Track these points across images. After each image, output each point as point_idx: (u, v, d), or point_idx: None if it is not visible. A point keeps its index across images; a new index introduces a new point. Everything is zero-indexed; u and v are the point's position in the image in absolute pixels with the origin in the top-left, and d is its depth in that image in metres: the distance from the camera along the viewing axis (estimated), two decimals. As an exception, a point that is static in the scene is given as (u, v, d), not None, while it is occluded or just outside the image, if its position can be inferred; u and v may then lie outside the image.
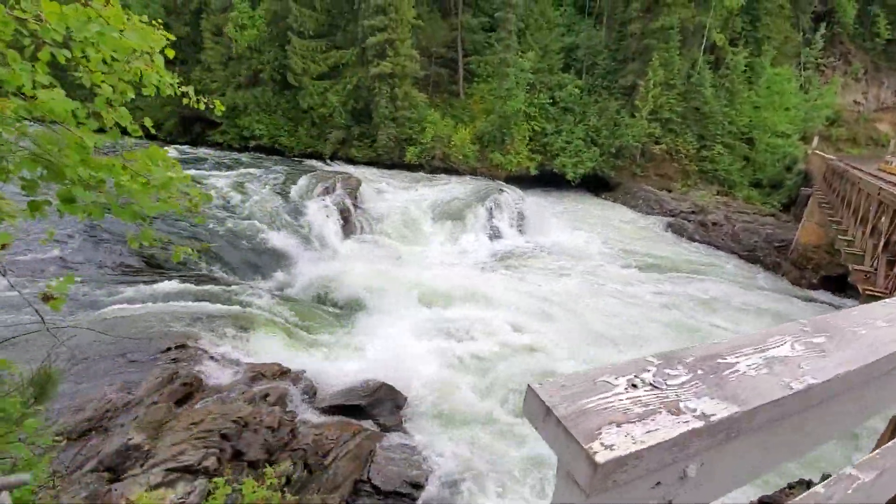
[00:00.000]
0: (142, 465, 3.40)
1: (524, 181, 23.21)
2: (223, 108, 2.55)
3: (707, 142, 21.55)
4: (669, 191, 20.91)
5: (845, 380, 0.70)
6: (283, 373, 5.64)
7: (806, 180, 18.51)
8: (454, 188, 18.69)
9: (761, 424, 0.61)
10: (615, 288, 12.28)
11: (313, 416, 5.43)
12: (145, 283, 7.57)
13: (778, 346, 0.74)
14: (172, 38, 2.04)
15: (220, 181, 15.90)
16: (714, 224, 17.55)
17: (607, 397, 0.56)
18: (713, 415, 0.56)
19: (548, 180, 23.81)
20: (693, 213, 18.68)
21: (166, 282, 7.67)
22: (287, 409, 5.08)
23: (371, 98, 23.18)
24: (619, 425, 0.51)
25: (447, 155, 23.01)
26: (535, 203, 18.72)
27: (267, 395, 4.87)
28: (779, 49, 23.64)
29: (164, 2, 29.49)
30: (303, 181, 16.38)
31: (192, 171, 16.68)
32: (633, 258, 15.21)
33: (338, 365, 7.10)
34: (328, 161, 24.41)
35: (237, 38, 25.04)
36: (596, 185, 23.07)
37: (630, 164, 22.25)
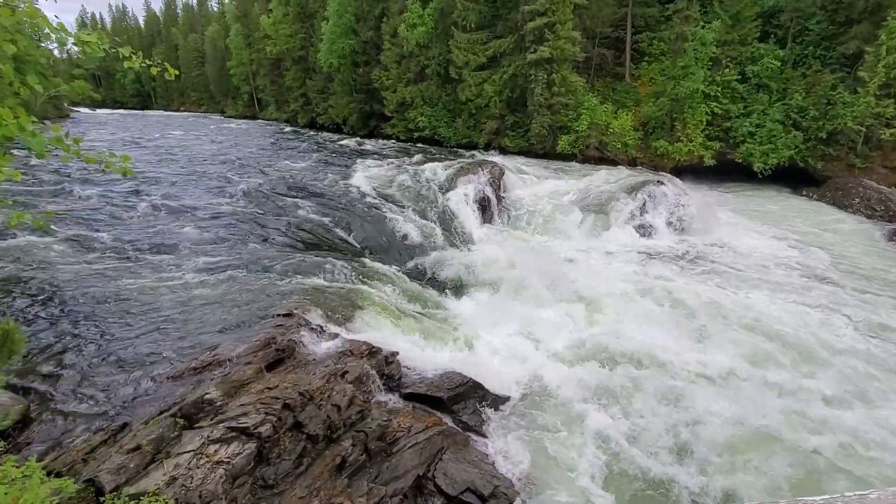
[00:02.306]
0: (211, 419, 3.84)
1: (696, 173, 20.21)
2: (176, 73, 2.60)
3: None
4: (906, 188, 15.82)
5: None
6: (372, 352, 5.83)
7: None
8: (604, 179, 17.18)
9: None
10: (798, 307, 9.76)
11: (390, 401, 5.51)
12: (286, 256, 8.67)
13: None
14: None
15: (377, 168, 17.37)
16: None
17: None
18: None
19: (727, 172, 20.28)
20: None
21: (297, 255, 8.67)
22: (364, 390, 5.24)
23: (527, 86, 22.68)
24: None
25: (604, 143, 21.28)
26: (701, 197, 16.06)
27: (345, 373, 5.09)
28: None
29: (355, 10, 33.29)
30: (448, 170, 16.90)
31: (361, 159, 18.62)
32: (834, 273, 11.94)
33: (436, 353, 7.12)
34: (481, 151, 24.82)
35: (408, 36, 26.91)
36: (794, 178, 18.77)
37: (846, 152, 17.45)
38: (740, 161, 19.48)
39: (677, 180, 17.25)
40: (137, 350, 4.95)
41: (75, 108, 61.79)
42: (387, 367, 5.95)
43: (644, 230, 14.80)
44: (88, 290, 6.15)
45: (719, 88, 19.86)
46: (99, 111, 70.11)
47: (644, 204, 15.36)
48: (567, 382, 7.02)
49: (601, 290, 10.41)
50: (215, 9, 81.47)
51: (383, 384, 5.73)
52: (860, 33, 17.25)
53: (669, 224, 15.07)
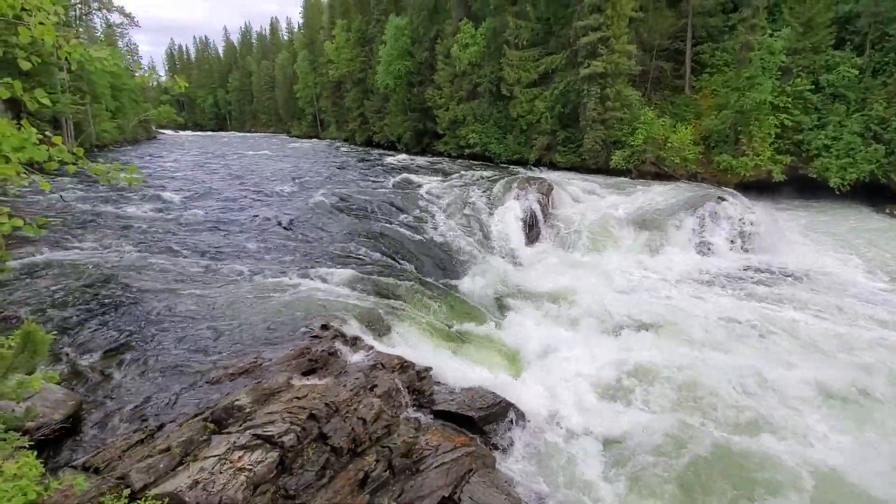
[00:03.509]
0: (239, 425, 3.97)
1: (764, 189, 18.87)
2: (185, 85, 2.74)
3: None
4: None
5: None
6: (404, 367, 5.83)
7: None
8: (660, 194, 16.44)
9: None
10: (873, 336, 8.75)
11: (419, 418, 5.46)
12: (330, 269, 8.93)
13: None
14: None
15: (427, 185, 17.63)
16: None
17: None
18: None
19: (800, 188, 18.77)
20: None
21: (342, 269, 8.90)
22: (393, 405, 5.23)
23: (579, 101, 22.30)
24: None
25: (661, 158, 20.39)
26: (768, 215, 14.93)
27: (374, 387, 5.11)
28: None
29: (411, 34, 34.45)
30: (497, 186, 16.87)
31: (412, 176, 19.00)
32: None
33: (470, 371, 7.00)
34: (532, 167, 24.59)
35: (460, 56, 27.42)
36: (875, 195, 17.03)
37: (941, 166, 15.62)
38: (815, 176, 17.96)
39: (741, 196, 16.18)
40: (183, 353, 5.24)
41: (161, 131, 68.00)
42: (418, 383, 5.92)
43: (704, 249, 13.94)
44: (139, 295, 6.63)
45: (789, 99, 18.52)
46: (181, 133, 76.84)
47: (704, 221, 14.52)
48: (608, 411, 6.65)
49: (653, 312, 9.85)
50: (285, 38, 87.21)
51: (413, 400, 5.70)
52: (955, 35, 15.57)
53: (732, 242, 14.11)
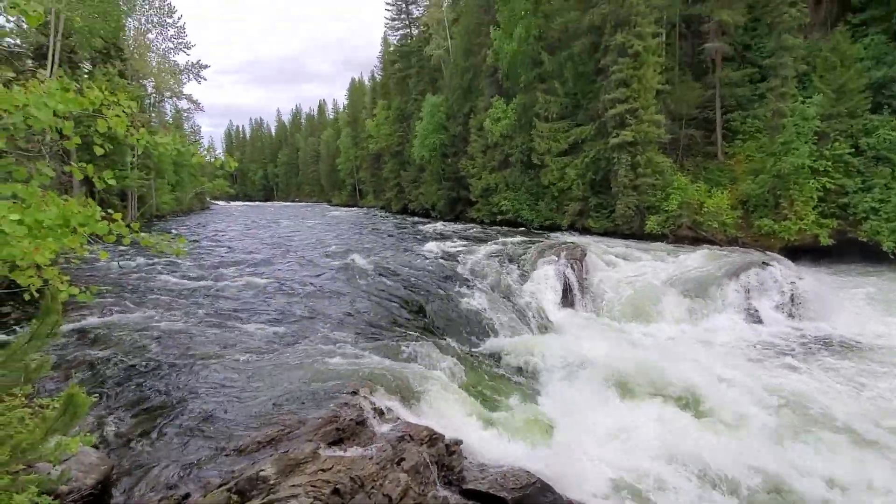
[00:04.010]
0: (262, 498, 3.88)
1: (812, 253, 18.09)
2: (235, 164, 2.97)
3: None
4: None
5: None
6: (433, 439, 5.62)
7: None
8: (700, 260, 15.98)
9: None
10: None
11: (447, 497, 5.17)
12: (360, 333, 8.99)
13: None
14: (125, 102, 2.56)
15: (460, 251, 17.87)
16: None
17: None
18: None
19: (851, 252, 17.87)
20: None
21: (373, 334, 8.93)
22: (421, 481, 5.00)
23: (610, 168, 22.66)
24: None
25: (698, 223, 20.08)
26: (817, 280, 14.16)
27: (402, 460, 4.93)
28: None
29: (446, 110, 36.70)
30: (530, 251, 16.89)
31: (445, 242, 19.34)
32: None
33: (503, 446, 6.67)
34: (564, 232, 24.65)
35: (492, 129, 28.77)
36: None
37: None
38: (865, 240, 17.13)
39: (787, 261, 15.51)
40: (213, 419, 5.28)
41: (215, 202, 73.21)
42: (448, 458, 5.66)
43: (750, 316, 13.24)
44: (176, 360, 6.83)
45: (829, 163, 18.18)
46: (232, 203, 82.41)
47: (749, 287, 13.90)
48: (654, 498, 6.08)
49: (701, 386, 9.22)
50: (331, 117, 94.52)
51: (442, 476, 5.43)
52: None
53: (780, 309, 13.35)
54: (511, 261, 15.96)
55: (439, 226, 30.88)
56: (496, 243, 19.58)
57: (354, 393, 6.14)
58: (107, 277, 12.43)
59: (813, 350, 11.20)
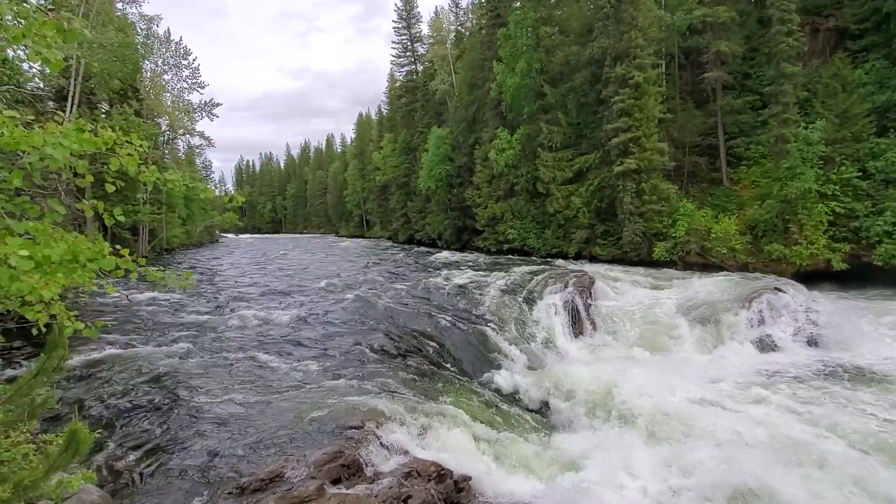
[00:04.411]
0: (265, 537, 3.76)
1: (826, 278, 17.82)
2: (242, 199, 3.02)
3: None
4: None
5: None
6: (441, 475, 5.47)
7: None
8: (710, 286, 15.77)
9: None
10: None
11: (455, 534, 4.99)
12: (367, 365, 8.89)
13: None
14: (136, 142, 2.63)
15: (466, 280, 17.81)
16: None
17: None
18: None
19: (867, 277, 17.56)
20: None
21: (380, 366, 8.83)
22: (428, 518, 4.84)
23: (615, 195, 22.74)
24: None
25: (706, 249, 19.94)
26: (834, 306, 13.87)
27: (408, 498, 4.79)
28: None
29: (451, 142, 37.33)
30: (537, 279, 16.81)
31: (452, 271, 19.33)
32: None
33: (514, 482, 6.47)
34: (572, 260, 24.55)
35: (497, 159, 29.15)
36: (961, 282, 15.63)
37: None
38: (880, 264, 16.86)
39: (801, 286, 15.27)
40: (216, 456, 5.19)
41: (224, 234, 74.31)
42: (456, 495, 5.48)
43: (765, 344, 12.94)
44: (181, 395, 6.77)
45: (837, 187, 18.13)
46: (241, 236, 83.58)
47: (763, 313, 13.65)
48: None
49: (716, 421, 8.92)
50: (339, 150, 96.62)
51: (449, 513, 5.25)
52: None
53: (796, 336, 13.05)
54: (519, 290, 15.86)
55: (446, 255, 30.92)
56: (503, 272, 19.50)
57: (360, 427, 6.03)
58: (116, 311, 12.50)
59: (831, 378, 10.85)
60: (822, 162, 18.34)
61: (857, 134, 18.39)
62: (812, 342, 12.99)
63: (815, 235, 18.01)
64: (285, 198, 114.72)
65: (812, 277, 17.63)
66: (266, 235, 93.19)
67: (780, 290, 14.49)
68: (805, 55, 20.69)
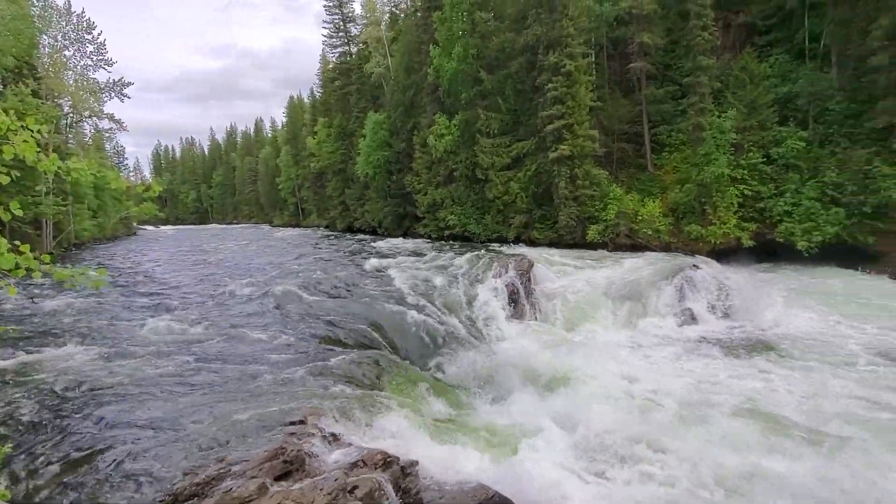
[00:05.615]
0: (204, 544, 3.57)
1: (736, 254, 19.55)
2: (160, 188, 2.85)
3: None
4: (976, 258, 14.59)
5: None
6: (388, 462, 5.43)
7: None
8: (637, 266, 16.85)
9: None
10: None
11: (405, 520, 5.01)
12: (308, 357, 8.65)
13: None
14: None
15: (407, 267, 17.74)
16: None
17: None
18: None
19: (772, 252, 19.50)
20: None
21: (321, 358, 8.62)
22: (376, 507, 4.81)
23: (551, 181, 23.49)
24: None
25: (634, 231, 21.20)
26: (744, 280, 15.31)
27: (355, 488, 4.71)
28: None
29: (389, 127, 36.71)
30: (478, 264, 17.08)
31: (392, 259, 19.12)
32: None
33: (461, 462, 6.58)
34: (511, 244, 25.17)
35: (436, 145, 29.07)
36: (846, 255, 17.74)
37: (900, 225, 16.56)
38: (782, 240, 18.76)
39: (715, 263, 16.68)
40: (145, 461, 4.84)
41: (142, 227, 68.59)
42: (403, 480, 5.49)
43: (685, 317, 14.04)
44: (102, 400, 6.25)
45: (745, 171, 19.88)
46: (162, 228, 77.58)
47: (682, 289, 14.77)
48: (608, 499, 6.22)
49: (646, 387, 9.63)
50: (269, 135, 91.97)
51: (399, 500, 5.26)
52: (887, 108, 17.24)
53: (712, 309, 14.29)
54: (461, 275, 16.05)
55: (387, 243, 30.61)
56: (445, 258, 19.64)
57: (302, 422, 5.86)
58: (20, 315, 11.24)
59: (741, 345, 12.04)
60: (732, 148, 20.00)
61: (763, 123, 20.19)
62: (725, 314, 14.28)
63: (727, 216, 19.69)
64: (211, 186, 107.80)
65: (725, 254, 19.29)
66: (191, 227, 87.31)
67: (697, 267, 15.74)
68: (718, 49, 22.27)
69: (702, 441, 7.32)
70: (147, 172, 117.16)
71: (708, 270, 15.45)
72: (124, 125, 35.17)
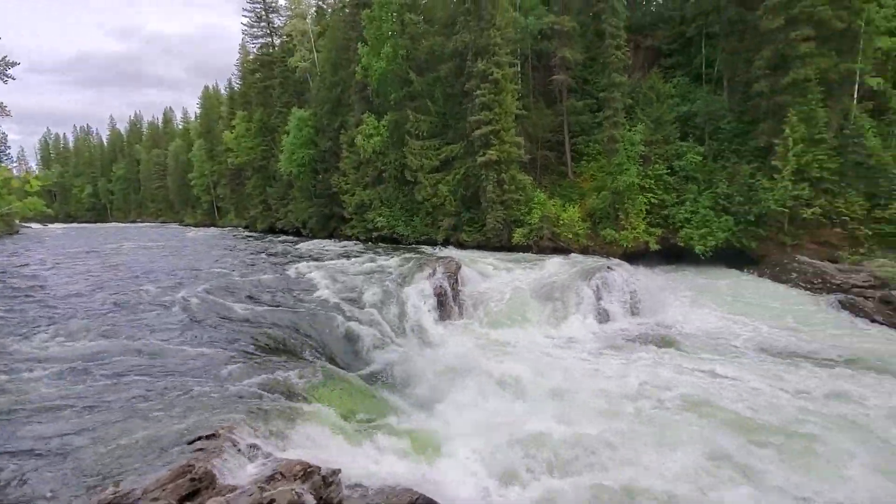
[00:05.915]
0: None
1: (644, 257, 21.16)
2: (40, 183, 2.51)
3: (881, 200, 17.41)
4: (834, 261, 16.95)
5: None
6: (308, 473, 5.15)
7: None
8: (559, 268, 17.65)
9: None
10: (762, 389, 9.67)
11: (326, 531, 4.77)
12: (224, 365, 8.04)
13: None
14: None
15: (333, 269, 17.18)
16: (905, 301, 13.51)
17: None
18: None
19: (674, 255, 21.36)
20: (872, 287, 14.69)
21: (235, 366, 8.05)
22: (295, 521, 4.52)
23: (479, 184, 23.96)
24: None
25: (556, 234, 22.24)
26: (651, 280, 16.64)
27: (272, 502, 4.41)
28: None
29: (314, 124, 35.44)
30: (404, 267, 16.96)
31: (316, 261, 18.35)
32: (787, 343, 12.20)
33: (385, 467, 6.45)
34: (440, 246, 25.32)
35: (364, 145, 28.53)
36: (734, 258, 19.90)
37: (776, 232, 18.85)
38: (682, 245, 20.62)
39: (626, 265, 17.93)
40: (29, 485, 4.18)
41: (27, 224, 60.05)
42: (325, 490, 5.23)
43: (601, 315, 14.94)
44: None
45: (652, 181, 21.62)
46: (51, 226, 68.43)
47: (598, 289, 15.67)
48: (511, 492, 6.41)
49: (566, 386, 10.04)
50: (180, 127, 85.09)
51: (319, 510, 5.00)
52: (767, 129, 19.59)
53: (624, 307, 15.31)
54: (388, 277, 15.84)
55: (313, 244, 29.53)
56: (372, 260, 19.29)
57: (214, 436, 5.40)
58: None
59: (646, 338, 13.12)
60: (641, 160, 21.68)
61: (667, 137, 22.11)
62: (634, 312, 15.39)
63: (637, 222, 21.30)
64: (111, 180, 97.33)
65: (636, 257, 20.82)
66: (85, 225, 78.26)
67: (611, 268, 16.81)
68: (630, 68, 24.07)
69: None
70: (34, 163, 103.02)
71: (620, 272, 16.54)
72: (7, 109, 30.79)
